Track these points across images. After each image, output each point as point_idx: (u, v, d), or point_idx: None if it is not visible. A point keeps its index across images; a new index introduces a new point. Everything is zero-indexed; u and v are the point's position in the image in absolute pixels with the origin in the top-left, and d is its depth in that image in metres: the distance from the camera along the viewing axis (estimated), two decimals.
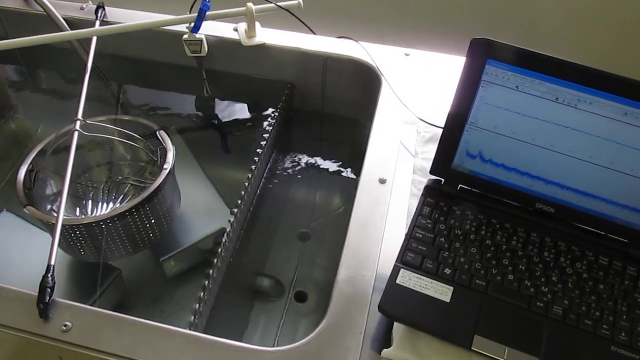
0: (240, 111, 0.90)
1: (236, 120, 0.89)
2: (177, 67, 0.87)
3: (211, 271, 0.60)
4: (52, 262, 0.52)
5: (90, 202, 0.72)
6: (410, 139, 0.69)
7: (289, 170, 0.85)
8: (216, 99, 0.90)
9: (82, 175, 0.74)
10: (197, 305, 0.57)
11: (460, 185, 0.58)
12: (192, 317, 0.56)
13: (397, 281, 0.50)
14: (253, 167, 0.72)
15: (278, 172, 0.85)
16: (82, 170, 0.74)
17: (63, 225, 0.59)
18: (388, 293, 0.49)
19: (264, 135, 0.77)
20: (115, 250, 0.65)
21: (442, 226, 0.55)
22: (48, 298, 0.50)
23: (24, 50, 0.85)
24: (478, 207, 0.57)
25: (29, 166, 0.66)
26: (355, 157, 0.87)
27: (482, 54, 0.52)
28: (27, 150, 0.68)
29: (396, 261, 0.52)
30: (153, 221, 0.66)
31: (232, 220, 0.66)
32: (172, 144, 0.69)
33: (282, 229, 0.80)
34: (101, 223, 0.61)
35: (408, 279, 0.50)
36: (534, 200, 0.56)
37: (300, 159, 0.87)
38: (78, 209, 0.71)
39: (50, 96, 0.94)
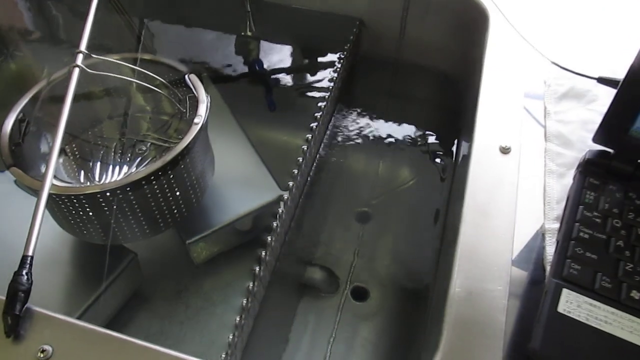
0: (293, 56, 0.77)
1: (287, 67, 0.76)
2: None
3: (257, 269, 0.44)
4: (30, 253, 0.36)
5: (98, 164, 0.58)
6: (535, 94, 0.51)
7: (347, 134, 0.72)
8: (262, 40, 0.76)
9: (90, 129, 0.60)
10: (238, 319, 0.41)
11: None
12: (231, 336, 0.40)
13: (559, 309, 0.32)
14: (314, 125, 0.55)
15: (335, 135, 0.71)
16: (90, 124, 0.60)
17: (59, 196, 0.45)
18: (546, 327, 0.31)
19: (325, 86, 0.61)
20: (128, 230, 0.51)
21: (616, 222, 0.36)
22: (20, 307, 0.34)
23: None
24: None
25: (18, 115, 0.52)
26: (436, 119, 0.73)
27: None
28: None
29: (553, 275, 0.34)
30: (178, 193, 0.51)
31: (286, 197, 0.49)
32: (206, 93, 0.55)
33: (336, 208, 0.68)
34: (108, 194, 0.46)
35: (576, 305, 0.32)
36: None
37: (361, 120, 0.74)
38: (83, 172, 0.57)
39: (59, 31, 0.82)
